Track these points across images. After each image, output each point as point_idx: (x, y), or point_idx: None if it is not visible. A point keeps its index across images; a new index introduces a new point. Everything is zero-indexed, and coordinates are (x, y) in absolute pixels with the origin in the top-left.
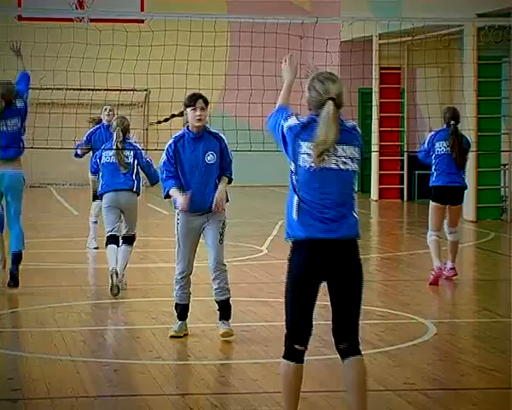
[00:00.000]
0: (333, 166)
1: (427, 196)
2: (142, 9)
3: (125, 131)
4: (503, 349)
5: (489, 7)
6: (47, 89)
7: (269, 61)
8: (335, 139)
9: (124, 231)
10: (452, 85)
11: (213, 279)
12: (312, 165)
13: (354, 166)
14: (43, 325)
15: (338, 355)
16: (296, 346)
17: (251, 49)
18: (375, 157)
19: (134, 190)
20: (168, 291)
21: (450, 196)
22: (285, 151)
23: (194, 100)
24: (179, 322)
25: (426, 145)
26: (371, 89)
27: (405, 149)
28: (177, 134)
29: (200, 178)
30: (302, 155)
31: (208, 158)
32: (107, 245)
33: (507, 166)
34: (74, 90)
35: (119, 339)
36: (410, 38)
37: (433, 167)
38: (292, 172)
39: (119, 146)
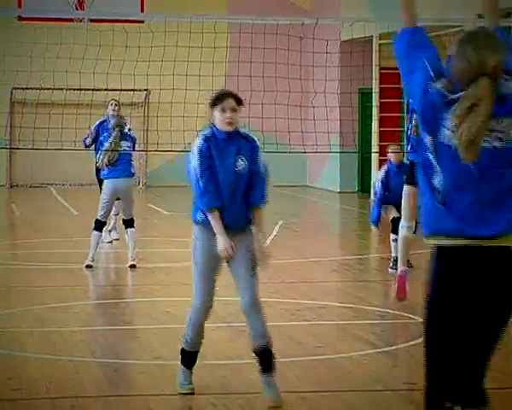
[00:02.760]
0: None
1: None
2: (143, 10)
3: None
4: (503, 349)
5: None
6: (47, 89)
7: (269, 62)
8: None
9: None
10: None
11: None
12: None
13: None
14: (43, 325)
15: (338, 355)
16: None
17: (251, 50)
18: (375, 157)
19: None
20: (168, 291)
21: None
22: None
23: (221, 99)
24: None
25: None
26: (371, 89)
27: (405, 150)
28: (205, 131)
29: (229, 189)
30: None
31: (238, 164)
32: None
33: None
34: (74, 90)
35: (119, 339)
36: None
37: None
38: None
39: (114, 146)
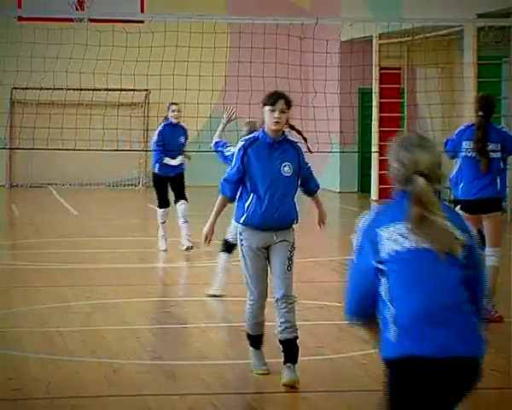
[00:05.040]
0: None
1: None
2: (143, 10)
3: None
4: (503, 349)
5: (489, 7)
6: (47, 89)
7: (269, 61)
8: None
9: None
10: (452, 85)
11: (278, 315)
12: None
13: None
14: (43, 325)
15: (338, 355)
16: None
17: (251, 50)
18: (375, 157)
19: None
20: (168, 291)
21: (481, 207)
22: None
23: (274, 99)
24: (256, 351)
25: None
26: (371, 89)
27: None
28: (249, 136)
29: (274, 190)
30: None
31: (284, 169)
32: None
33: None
34: (74, 90)
35: (119, 339)
36: (410, 38)
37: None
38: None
39: None
